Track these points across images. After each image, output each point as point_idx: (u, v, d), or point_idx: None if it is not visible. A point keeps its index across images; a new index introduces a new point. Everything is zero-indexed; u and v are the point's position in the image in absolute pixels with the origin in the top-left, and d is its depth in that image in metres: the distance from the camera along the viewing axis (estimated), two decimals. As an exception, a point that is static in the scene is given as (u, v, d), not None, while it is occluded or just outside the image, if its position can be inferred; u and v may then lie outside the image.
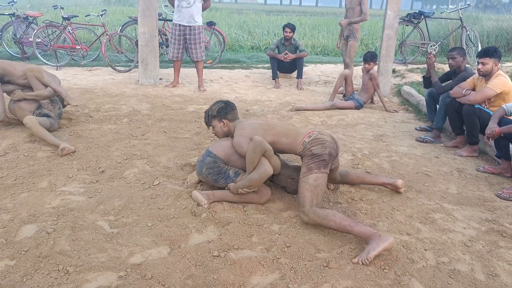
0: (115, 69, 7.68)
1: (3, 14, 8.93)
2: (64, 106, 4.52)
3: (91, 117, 4.88)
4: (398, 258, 2.41)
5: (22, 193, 2.98)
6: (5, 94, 4.25)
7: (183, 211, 2.82)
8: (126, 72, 7.76)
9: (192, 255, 2.34)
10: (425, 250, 2.52)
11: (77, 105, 4.50)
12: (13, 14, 8.56)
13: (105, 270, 2.19)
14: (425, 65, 7.87)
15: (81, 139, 4.14)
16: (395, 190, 3.23)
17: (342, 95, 6.41)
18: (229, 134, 3.21)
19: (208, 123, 3.26)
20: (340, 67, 8.78)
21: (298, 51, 7.32)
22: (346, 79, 6.13)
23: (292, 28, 7.20)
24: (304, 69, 7.67)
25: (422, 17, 8.99)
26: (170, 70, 7.78)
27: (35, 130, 3.88)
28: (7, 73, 4.15)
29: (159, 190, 3.12)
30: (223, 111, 3.17)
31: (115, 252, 2.35)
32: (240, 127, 3.05)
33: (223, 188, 3.02)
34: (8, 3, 8.89)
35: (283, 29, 7.25)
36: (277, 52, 7.40)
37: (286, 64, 7.31)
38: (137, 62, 7.23)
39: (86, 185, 3.17)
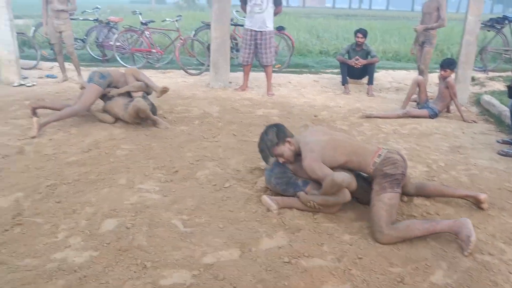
0: (187, 72, 7.97)
1: (88, 20, 9.60)
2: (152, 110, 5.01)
3: (165, 118, 5.09)
4: (480, 279, 2.27)
5: (104, 188, 3.17)
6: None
7: (253, 214, 2.85)
8: (197, 75, 8.02)
9: (263, 259, 2.37)
10: (509, 273, 2.35)
11: (161, 93, 4.93)
12: (97, 20, 9.17)
13: (180, 268, 2.27)
14: (509, 73, 7.38)
15: (156, 139, 4.33)
16: (477, 204, 3.04)
17: (415, 103, 6.17)
18: (296, 152, 3.07)
19: (272, 155, 3.05)
20: (413, 74, 8.45)
21: (369, 56, 7.16)
22: (419, 86, 5.89)
23: (364, 34, 7.05)
24: (375, 75, 7.48)
25: (506, 21, 8.44)
26: (239, 74, 7.92)
27: (148, 112, 4.51)
28: (116, 80, 4.82)
29: (229, 192, 3.18)
30: (281, 133, 3.03)
31: (188, 251, 2.43)
32: (307, 148, 2.89)
33: (292, 196, 3.02)
34: (93, 9, 9.53)
35: (355, 34, 7.13)
36: (347, 57, 7.29)
37: (356, 69, 7.18)
38: (208, 65, 7.44)
39: (161, 183, 3.31)
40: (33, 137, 4.20)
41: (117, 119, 4.77)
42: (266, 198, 2.94)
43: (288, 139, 3.03)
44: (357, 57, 7.07)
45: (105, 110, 4.84)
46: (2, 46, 6.81)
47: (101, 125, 4.66)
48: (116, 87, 4.86)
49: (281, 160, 3.02)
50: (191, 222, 2.75)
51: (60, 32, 6.91)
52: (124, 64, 8.48)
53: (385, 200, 2.66)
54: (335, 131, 3.55)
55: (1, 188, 3.12)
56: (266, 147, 3.05)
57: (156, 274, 2.22)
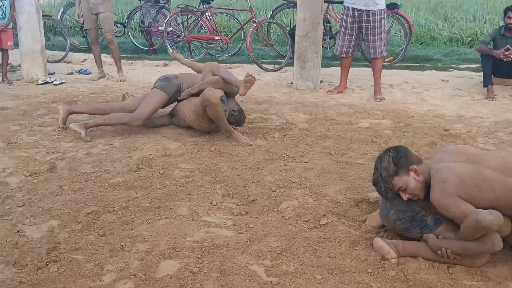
0: (261, 67, 8.24)
1: (132, -3, 10.27)
2: (237, 119, 5.31)
3: (234, 128, 5.29)
4: None
5: (160, 220, 3.39)
6: None
7: (363, 263, 2.91)
8: (275, 71, 8.27)
9: (378, 326, 2.42)
10: None
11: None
12: (143, -3, 9.76)
13: (264, 330, 2.38)
14: None
15: (223, 156, 4.53)
16: None
17: None
18: (426, 183, 3.01)
19: (392, 188, 2.98)
20: None
21: (526, 46, 6.97)
22: None
23: (519, 12, 6.89)
24: (535, 72, 7.25)
25: None
26: (334, 70, 8.04)
27: (219, 108, 4.69)
28: (188, 82, 5.26)
29: (327, 232, 3.27)
30: (401, 159, 2.99)
31: (275, 308, 2.54)
32: (438, 177, 2.86)
33: (416, 239, 3.04)
34: (138, -16, 10.18)
35: (505, 13, 6.99)
36: (492, 47, 7.14)
37: (506, 64, 7.01)
38: (291, 58, 7.63)
39: (233, 216, 3.47)
40: (89, 141, 4.83)
41: (186, 126, 5.15)
42: (380, 241, 2.98)
43: (413, 166, 3.01)
44: (507, 46, 6.90)
45: (172, 115, 5.31)
46: (26, 33, 7.45)
47: (152, 136, 4.97)
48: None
49: (404, 196, 2.98)
50: (276, 269, 2.86)
51: (97, 15, 7.47)
52: (177, 56, 8.91)
53: None
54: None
55: (32, 215, 3.44)
56: (381, 180, 3.00)
57: (233, 336, 2.34)
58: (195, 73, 5.53)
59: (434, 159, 3.19)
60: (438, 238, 2.94)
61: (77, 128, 4.85)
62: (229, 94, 5.21)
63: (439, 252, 2.88)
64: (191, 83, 5.25)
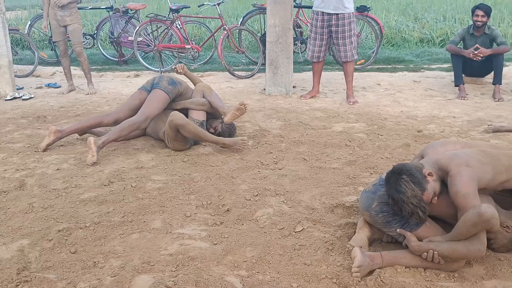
0: (233, 75, 8.27)
1: (100, 8, 10.18)
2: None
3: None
4: None
5: (133, 234, 3.36)
6: None
7: (338, 269, 2.92)
8: (248, 78, 8.31)
9: (356, 332, 2.42)
10: None
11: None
12: (111, 8, 9.70)
13: None
14: None
15: (197, 166, 4.52)
16: None
17: None
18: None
19: (426, 206, 2.87)
20: (561, 67, 8.24)
21: (495, 44, 7.07)
22: None
23: (487, 11, 6.99)
24: (504, 70, 7.36)
25: None
26: (306, 75, 8.08)
27: (192, 126, 4.66)
28: (185, 93, 5.27)
29: (303, 239, 3.27)
30: (416, 173, 2.88)
31: (252, 319, 2.53)
32: (458, 161, 2.85)
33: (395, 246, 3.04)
34: (106, -5, 10.13)
35: (473, 12, 7.09)
36: (462, 47, 7.24)
37: (476, 63, 7.11)
38: (263, 64, 7.64)
39: (208, 227, 3.46)
40: (94, 163, 4.53)
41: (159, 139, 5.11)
42: (358, 252, 2.88)
43: (427, 171, 2.92)
44: (476, 45, 7.00)
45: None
46: (-9, 48, 7.37)
47: (124, 149, 4.93)
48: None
49: (435, 200, 2.91)
50: (252, 279, 2.86)
51: (65, 27, 7.41)
52: (148, 66, 8.89)
53: None
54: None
55: (1, 234, 3.38)
56: (417, 207, 2.83)
57: None
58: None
59: (428, 153, 3.19)
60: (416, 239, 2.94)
61: (94, 147, 4.56)
62: (212, 115, 5.24)
63: (424, 254, 2.86)
64: (188, 96, 5.26)
